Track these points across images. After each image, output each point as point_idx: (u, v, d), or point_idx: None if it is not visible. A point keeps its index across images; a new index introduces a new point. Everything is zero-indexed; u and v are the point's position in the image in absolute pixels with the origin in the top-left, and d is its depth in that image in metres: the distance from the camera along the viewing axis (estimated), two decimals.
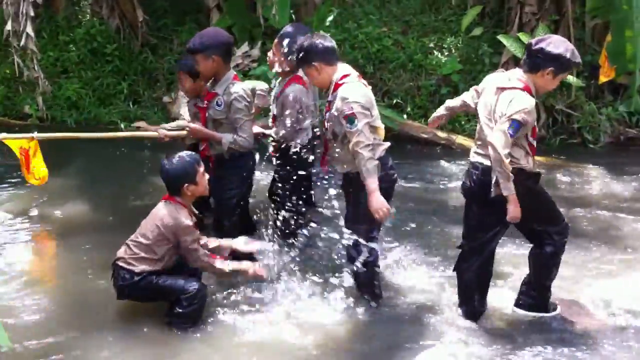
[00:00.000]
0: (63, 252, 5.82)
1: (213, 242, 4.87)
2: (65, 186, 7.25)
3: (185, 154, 4.67)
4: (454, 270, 4.75)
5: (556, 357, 4.29)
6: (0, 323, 1.85)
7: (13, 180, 7.35)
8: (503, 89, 4.20)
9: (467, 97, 4.70)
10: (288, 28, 5.72)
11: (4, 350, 4.01)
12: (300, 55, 4.60)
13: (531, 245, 4.69)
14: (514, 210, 4.20)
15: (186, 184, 4.54)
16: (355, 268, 4.80)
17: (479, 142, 4.39)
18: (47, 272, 5.49)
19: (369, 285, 4.85)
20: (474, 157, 4.43)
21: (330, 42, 4.59)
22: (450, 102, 4.90)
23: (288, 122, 5.32)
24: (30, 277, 5.32)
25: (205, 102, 5.20)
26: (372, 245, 4.72)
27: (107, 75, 10.15)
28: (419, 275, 5.37)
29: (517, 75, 4.24)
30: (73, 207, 6.66)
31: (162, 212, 4.54)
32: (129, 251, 4.57)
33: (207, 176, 4.68)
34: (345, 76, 4.54)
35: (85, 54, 10.24)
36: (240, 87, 5.14)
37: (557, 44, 4.17)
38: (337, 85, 4.53)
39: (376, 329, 4.63)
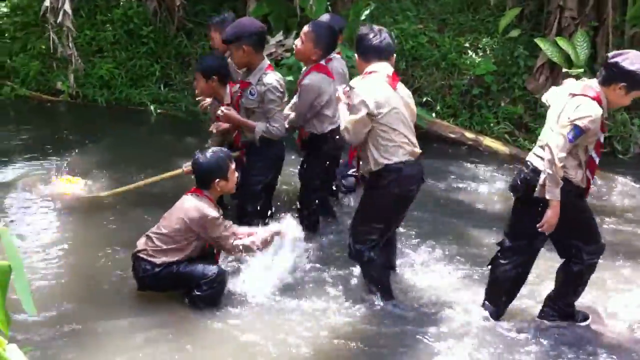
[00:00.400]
0: (88, 227, 5.88)
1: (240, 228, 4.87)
2: (93, 163, 7.32)
3: (219, 149, 4.74)
4: (488, 265, 4.72)
5: None
6: (28, 290, 1.86)
7: (39, 155, 7.47)
8: (574, 95, 4.16)
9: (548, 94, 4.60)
10: (323, 17, 5.76)
11: (30, 317, 4.12)
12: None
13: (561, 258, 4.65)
14: (551, 217, 4.19)
15: (217, 179, 4.59)
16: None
17: (539, 144, 4.37)
18: (71, 246, 5.53)
19: (372, 283, 4.85)
20: (529, 157, 4.45)
21: (376, 40, 4.58)
22: None
23: (300, 108, 5.42)
24: (53, 250, 5.40)
25: (240, 90, 5.23)
26: (365, 247, 4.71)
27: (141, 56, 10.20)
28: (438, 275, 5.33)
29: (591, 85, 4.20)
30: (100, 184, 6.71)
31: (188, 205, 4.58)
32: (150, 244, 4.60)
33: (236, 174, 4.74)
34: (370, 72, 4.55)
35: (121, 34, 10.29)
36: (274, 78, 5.17)
37: (634, 60, 4.08)
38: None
39: (393, 327, 4.59)
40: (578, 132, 4.04)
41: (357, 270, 5.10)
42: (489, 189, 7.37)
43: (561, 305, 4.66)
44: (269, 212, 5.64)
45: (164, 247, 4.55)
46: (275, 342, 4.31)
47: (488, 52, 9.51)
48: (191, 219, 4.51)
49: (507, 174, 7.78)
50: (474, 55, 9.51)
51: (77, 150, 7.51)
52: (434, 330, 4.55)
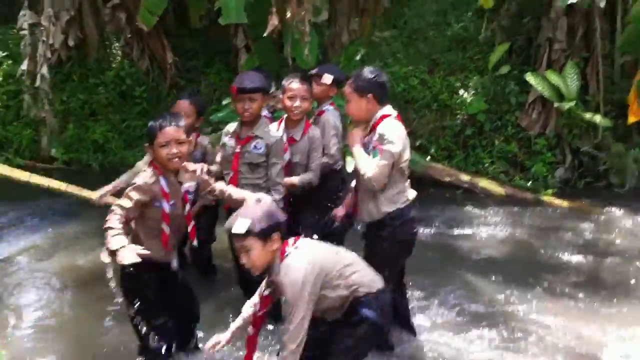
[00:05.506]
0: (82, 300, 5.80)
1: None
2: (85, 232, 7.31)
3: (170, 115, 4.19)
4: None
5: None
6: None
7: (32, 229, 7.47)
8: None
9: None
10: (322, 68, 5.71)
11: None
12: (368, 84, 4.46)
13: None
14: None
15: (146, 144, 4.17)
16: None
17: None
18: (65, 319, 5.49)
19: None
20: None
21: (388, 84, 4.55)
22: None
23: (333, 149, 5.39)
24: (46, 324, 5.36)
25: (239, 146, 5.04)
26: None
27: (135, 117, 10.25)
28: (438, 332, 5.11)
29: None
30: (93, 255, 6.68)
31: None
32: None
33: (172, 151, 4.00)
34: (385, 116, 4.43)
35: (114, 96, 10.38)
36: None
37: None
38: (377, 124, 4.42)
39: None
40: None
41: None
42: (487, 233, 7.26)
43: None
44: None
45: None
46: None
47: (479, 90, 9.45)
48: None
49: (504, 216, 7.70)
50: (465, 94, 9.46)
51: (69, 219, 7.51)
52: None
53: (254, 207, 3.76)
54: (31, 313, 5.55)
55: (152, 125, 4.06)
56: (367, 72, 4.50)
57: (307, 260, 3.67)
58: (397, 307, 4.75)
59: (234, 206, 4.24)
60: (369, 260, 4.48)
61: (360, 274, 3.87)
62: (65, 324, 5.40)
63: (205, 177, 4.37)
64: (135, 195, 3.95)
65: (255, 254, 3.61)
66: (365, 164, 4.32)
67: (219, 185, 4.41)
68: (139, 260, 3.66)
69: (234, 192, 4.40)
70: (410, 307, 5.10)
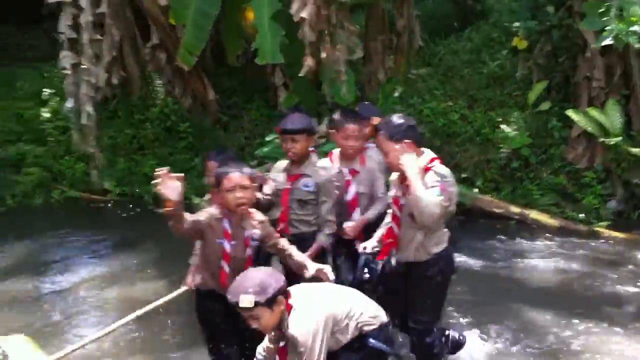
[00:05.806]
0: (139, 331, 5.92)
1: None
2: (141, 263, 7.49)
3: (235, 162, 4.45)
4: None
5: None
6: None
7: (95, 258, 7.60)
8: None
9: None
10: (360, 107, 5.92)
11: None
12: (400, 129, 4.46)
13: None
14: None
15: (214, 189, 4.45)
16: None
17: None
18: (123, 349, 5.62)
19: None
20: None
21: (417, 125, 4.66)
22: None
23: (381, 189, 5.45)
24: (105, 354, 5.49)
25: (289, 182, 5.22)
26: (436, 336, 4.63)
27: (181, 151, 10.45)
28: None
29: None
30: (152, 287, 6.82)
31: None
32: None
33: (236, 195, 4.21)
34: (435, 159, 4.46)
35: (160, 131, 10.59)
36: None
37: None
38: (428, 168, 4.39)
39: None
40: None
41: None
42: (542, 264, 7.31)
43: None
44: None
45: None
46: None
47: (521, 125, 9.56)
48: None
49: (558, 247, 7.77)
50: (507, 129, 9.57)
51: (126, 249, 7.66)
52: None
53: (254, 276, 3.75)
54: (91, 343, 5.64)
55: (219, 172, 4.32)
56: (397, 118, 4.53)
57: (314, 310, 3.79)
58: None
59: (292, 266, 4.58)
60: (414, 299, 4.63)
61: (366, 311, 4.00)
62: (123, 356, 5.52)
63: (272, 229, 4.60)
64: (205, 213, 4.31)
65: (265, 320, 3.70)
66: (431, 200, 4.21)
67: (283, 242, 4.62)
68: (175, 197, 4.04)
69: (295, 254, 4.59)
70: (466, 338, 5.19)
